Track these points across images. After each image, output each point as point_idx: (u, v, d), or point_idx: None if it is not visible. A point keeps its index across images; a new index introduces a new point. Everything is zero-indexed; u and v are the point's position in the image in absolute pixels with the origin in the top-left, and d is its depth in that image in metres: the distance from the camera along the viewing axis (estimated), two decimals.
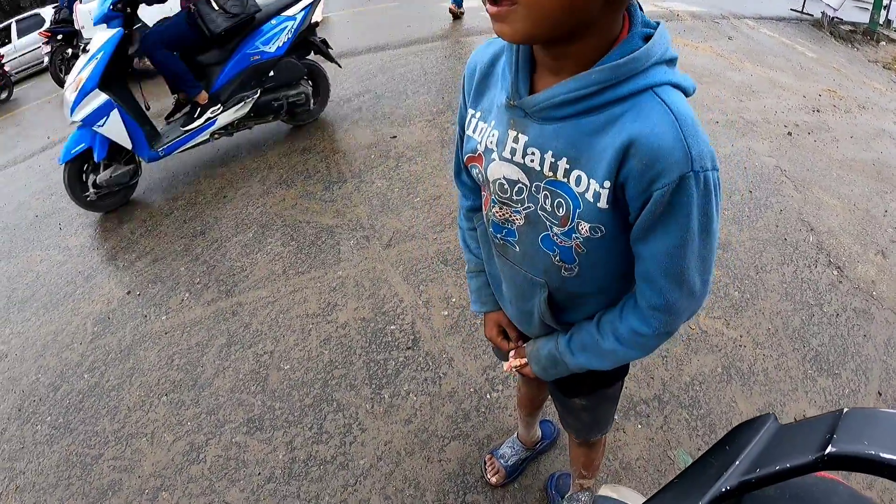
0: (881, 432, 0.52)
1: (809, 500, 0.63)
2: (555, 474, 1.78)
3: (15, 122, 7.57)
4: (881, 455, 0.48)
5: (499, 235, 0.93)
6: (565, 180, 0.75)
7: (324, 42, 4.20)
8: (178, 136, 3.71)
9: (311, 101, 4.18)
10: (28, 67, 11.47)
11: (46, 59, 7.99)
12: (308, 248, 2.99)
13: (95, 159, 3.46)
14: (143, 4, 3.60)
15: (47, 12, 11.40)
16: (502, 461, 1.76)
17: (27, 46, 11.33)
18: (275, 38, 3.74)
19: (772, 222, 3.06)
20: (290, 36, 3.80)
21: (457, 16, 7.14)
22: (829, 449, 0.51)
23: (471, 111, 0.90)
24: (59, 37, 7.89)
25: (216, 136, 3.88)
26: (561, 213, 0.78)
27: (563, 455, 1.86)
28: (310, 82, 4.20)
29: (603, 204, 0.73)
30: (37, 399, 2.41)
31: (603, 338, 0.91)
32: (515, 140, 0.78)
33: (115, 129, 3.43)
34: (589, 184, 0.73)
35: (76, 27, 7.55)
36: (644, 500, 0.74)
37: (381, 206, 3.24)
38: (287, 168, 3.84)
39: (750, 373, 2.16)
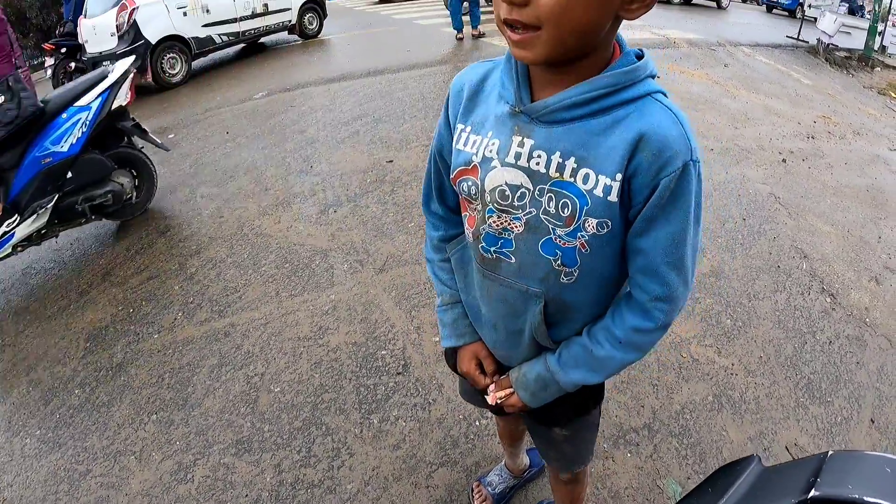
0: (866, 475, 0.52)
1: None
2: (542, 502, 1.77)
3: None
4: (865, 499, 0.48)
5: (492, 249, 0.92)
6: (572, 180, 0.79)
7: (137, 126, 3.70)
8: None
9: (132, 194, 3.72)
10: None
11: (49, 72, 8.01)
12: (302, 270, 3.00)
13: None
14: None
15: None
16: (490, 488, 1.75)
17: None
18: (66, 135, 3.23)
19: (765, 250, 3.07)
20: (84, 130, 3.30)
21: (475, 35, 7.60)
22: (813, 492, 0.51)
23: (460, 126, 0.93)
24: (63, 49, 7.94)
25: (19, 248, 3.31)
26: (566, 213, 0.81)
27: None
28: (132, 171, 3.75)
29: (613, 197, 0.78)
30: (27, 413, 2.39)
31: (596, 346, 0.92)
32: (521, 144, 0.82)
33: None
34: (598, 180, 0.78)
35: (80, 41, 7.64)
36: None
37: (376, 231, 3.26)
38: (285, 191, 3.86)
39: (741, 401, 2.16)
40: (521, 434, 1.62)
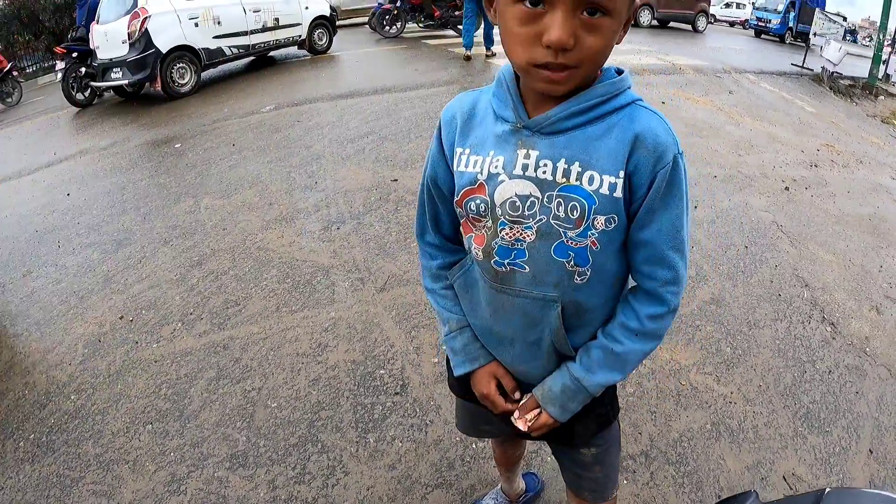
0: None
1: None
2: None
3: (23, 135, 7.67)
4: None
5: (506, 262, 0.94)
6: (578, 183, 0.86)
7: None
8: None
9: None
10: None
11: (60, 75, 8.09)
12: (303, 286, 3.00)
13: None
14: None
15: None
16: None
17: None
18: None
19: (766, 278, 3.07)
20: None
21: (489, 55, 7.92)
22: None
23: (458, 150, 0.97)
24: (74, 54, 8.03)
25: None
26: (575, 215, 0.87)
27: None
28: None
29: (618, 193, 0.86)
30: (22, 415, 2.38)
31: (616, 344, 0.97)
32: (527, 157, 0.88)
33: None
34: (602, 179, 0.85)
35: (91, 46, 7.72)
36: None
37: (378, 249, 3.27)
38: (289, 206, 3.88)
39: (739, 430, 2.15)
40: (518, 459, 1.62)
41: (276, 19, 8.70)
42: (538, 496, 1.85)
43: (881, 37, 10.37)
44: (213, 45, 7.85)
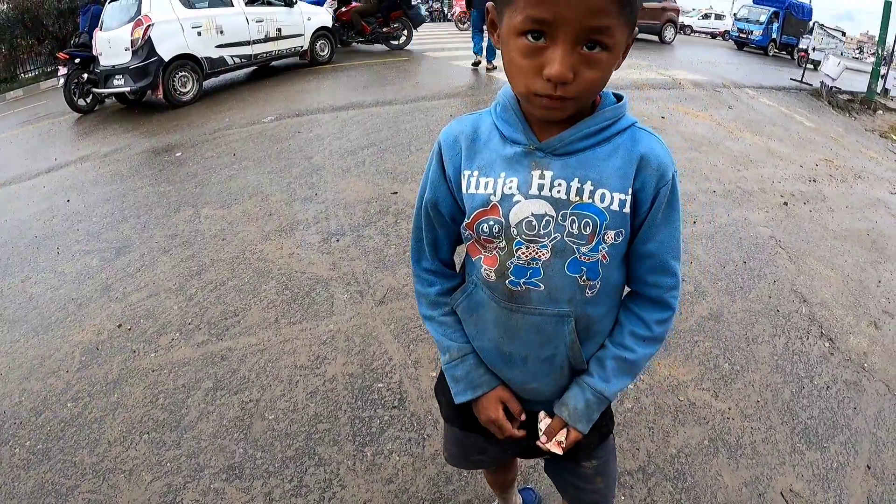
0: None
1: None
2: None
3: (24, 140, 7.68)
4: None
5: (521, 281, 0.95)
6: (590, 201, 0.90)
7: None
8: None
9: None
10: None
11: (62, 81, 8.12)
12: (302, 298, 3.00)
13: None
14: None
15: None
16: None
17: None
18: None
19: (765, 293, 3.08)
20: None
21: (490, 69, 8.08)
22: None
23: (466, 172, 0.97)
24: (77, 60, 8.07)
25: None
26: (588, 231, 0.91)
27: None
28: None
29: (627, 209, 0.91)
30: (17, 422, 2.37)
31: (628, 353, 1.01)
32: (542, 177, 0.91)
33: None
34: (612, 197, 0.90)
35: (94, 53, 7.76)
36: None
37: (378, 262, 3.27)
38: (289, 217, 3.88)
39: (737, 446, 2.14)
40: (513, 481, 1.62)
41: (279, 30, 8.75)
42: None
43: (880, 51, 10.45)
44: (216, 54, 7.89)
